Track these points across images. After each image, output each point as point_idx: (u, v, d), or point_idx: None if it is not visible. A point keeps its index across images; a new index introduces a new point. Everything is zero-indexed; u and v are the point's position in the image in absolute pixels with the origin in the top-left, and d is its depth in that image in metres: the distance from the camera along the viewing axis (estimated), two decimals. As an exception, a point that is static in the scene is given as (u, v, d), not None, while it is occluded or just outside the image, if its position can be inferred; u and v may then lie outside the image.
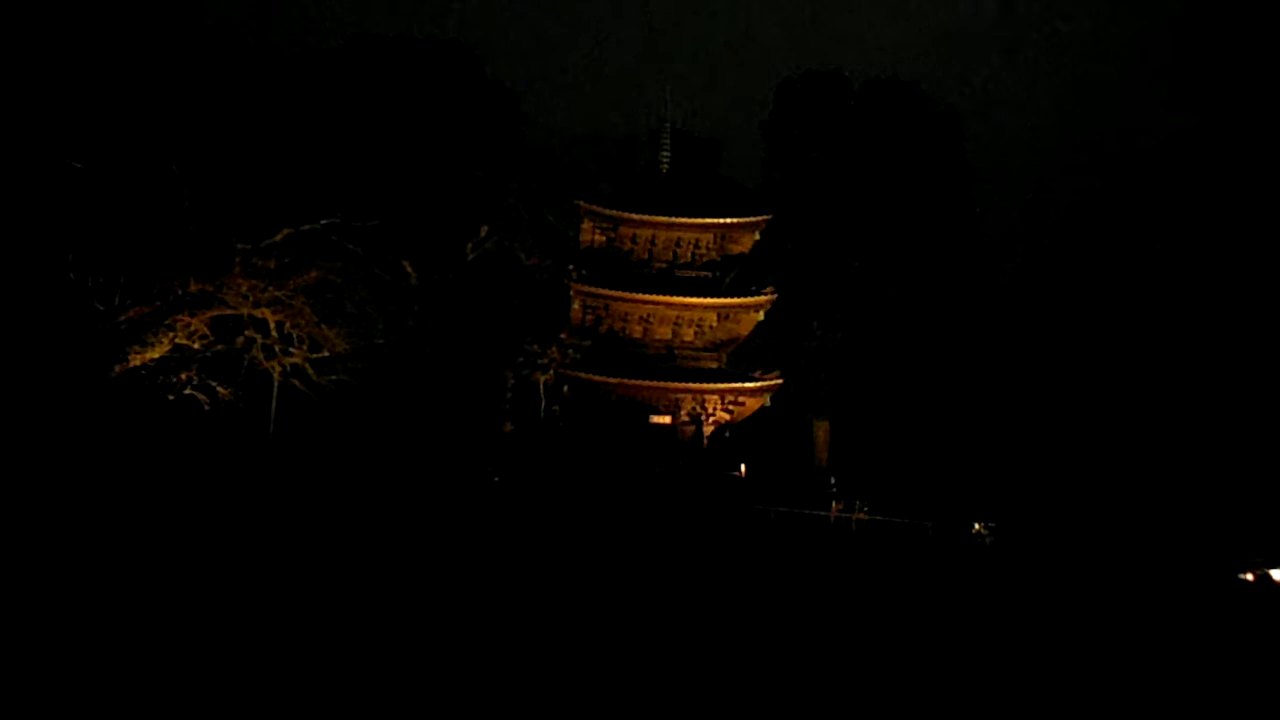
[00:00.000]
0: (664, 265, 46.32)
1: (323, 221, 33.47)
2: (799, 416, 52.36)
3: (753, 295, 43.99)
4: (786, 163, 55.73)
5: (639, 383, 43.05)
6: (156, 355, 30.80)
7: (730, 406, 44.53)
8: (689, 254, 46.33)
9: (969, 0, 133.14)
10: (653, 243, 45.99)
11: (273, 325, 33.65)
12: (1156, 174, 77.64)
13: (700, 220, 44.93)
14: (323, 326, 34.37)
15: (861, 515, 39.64)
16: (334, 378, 35.41)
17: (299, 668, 15.03)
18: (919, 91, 57.02)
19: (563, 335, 44.42)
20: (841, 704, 16.04)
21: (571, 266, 43.28)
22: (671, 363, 45.19)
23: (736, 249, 46.22)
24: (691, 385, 43.58)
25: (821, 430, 53.09)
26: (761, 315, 44.46)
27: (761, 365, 44.52)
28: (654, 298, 44.00)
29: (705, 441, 44.27)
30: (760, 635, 19.64)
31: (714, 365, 45.78)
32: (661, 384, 43.38)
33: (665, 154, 48.92)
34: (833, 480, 44.96)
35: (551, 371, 43.88)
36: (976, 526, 40.65)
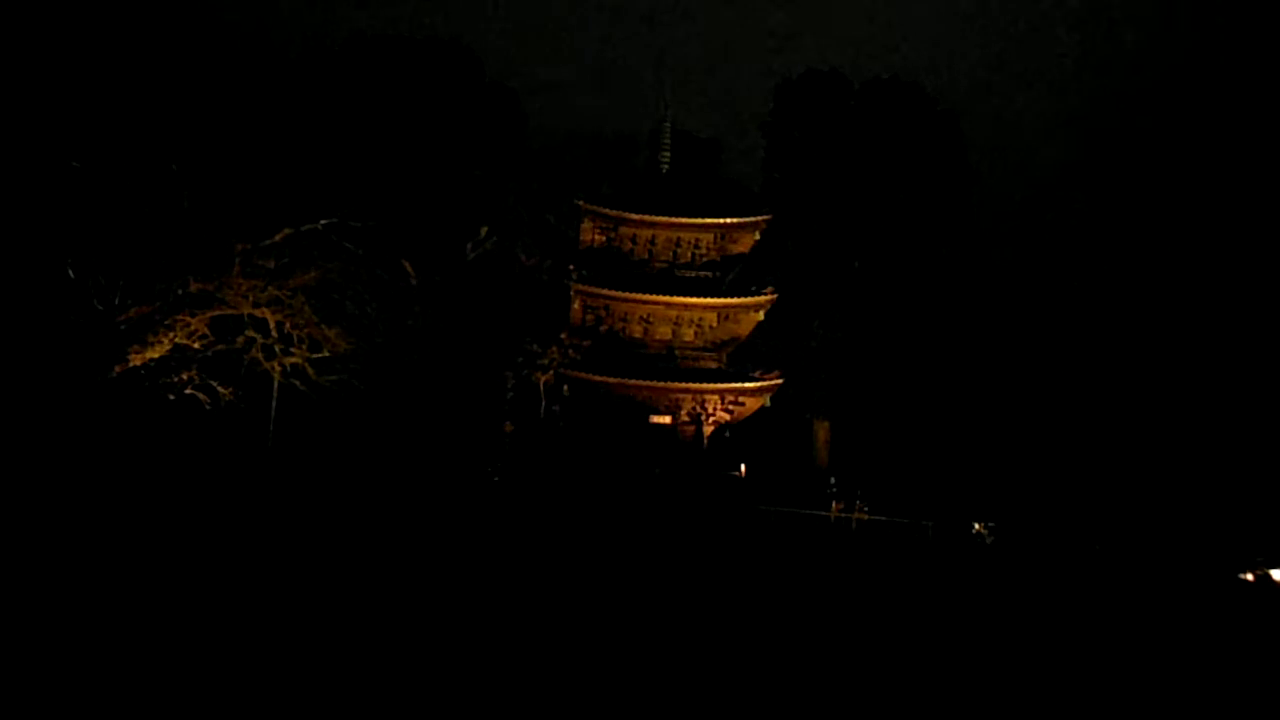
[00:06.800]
0: (664, 265, 46.32)
1: (322, 221, 33.44)
2: (799, 416, 52.36)
3: (753, 295, 43.99)
4: (786, 163, 55.73)
5: (639, 383, 43.05)
6: (156, 355, 30.77)
7: (730, 406, 44.52)
8: (689, 254, 46.34)
9: (969, 1, 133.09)
10: (653, 243, 45.99)
11: (273, 325, 33.62)
12: (1156, 172, 77.60)
13: (700, 220, 44.94)
14: (323, 326, 34.35)
15: (861, 515, 39.61)
16: (334, 378, 35.38)
17: (299, 668, 15.04)
18: (919, 91, 57.03)
19: (563, 335, 44.42)
20: (841, 704, 16.04)
21: (571, 266, 43.29)
22: (671, 363, 45.18)
23: (736, 249, 46.22)
24: (691, 385, 43.57)
25: (821, 430, 53.09)
26: (761, 315, 44.46)
27: (761, 365, 44.50)
28: (654, 298, 44.01)
29: (705, 441, 44.26)
30: (760, 635, 19.64)
31: (714, 365, 45.77)
32: (661, 384, 43.38)
33: (665, 154, 48.95)
34: (833, 480, 44.94)
35: (551, 371, 43.86)
36: (976, 526, 40.66)
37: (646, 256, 46.22)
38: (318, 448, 37.72)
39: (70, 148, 28.66)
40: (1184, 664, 20.70)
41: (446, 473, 39.04)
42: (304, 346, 34.40)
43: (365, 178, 39.27)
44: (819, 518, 39.41)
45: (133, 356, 29.97)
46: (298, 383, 35.14)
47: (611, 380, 42.66)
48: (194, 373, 31.98)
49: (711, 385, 43.75)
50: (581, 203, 43.83)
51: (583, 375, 42.65)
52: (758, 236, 45.50)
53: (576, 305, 43.50)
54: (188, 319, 31.28)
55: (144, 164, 30.07)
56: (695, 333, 45.73)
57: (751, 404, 44.57)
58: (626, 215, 44.38)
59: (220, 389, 32.52)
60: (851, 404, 52.46)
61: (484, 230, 49.06)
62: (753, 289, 44.26)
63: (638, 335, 45.42)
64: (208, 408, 32.54)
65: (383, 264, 39.75)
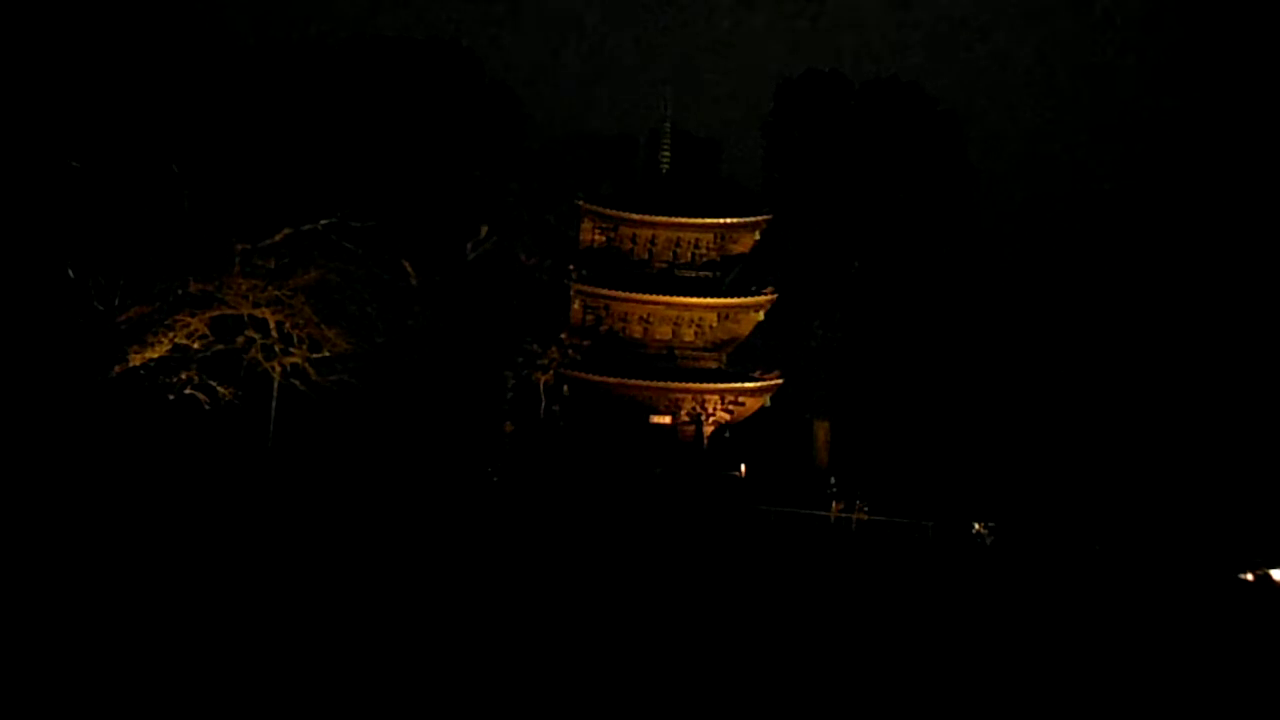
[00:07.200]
0: (664, 265, 46.34)
1: (322, 221, 33.44)
2: (799, 416, 52.38)
3: (753, 295, 44.00)
4: (786, 163, 55.78)
5: (639, 383, 43.06)
6: (156, 355, 30.76)
7: (730, 406, 44.54)
8: (689, 254, 46.35)
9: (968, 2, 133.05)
10: (653, 243, 46.01)
11: (273, 325, 33.62)
12: (1157, 172, 77.59)
13: (700, 220, 44.95)
14: (323, 326, 34.34)
15: (861, 515, 39.61)
16: (334, 378, 35.38)
17: (299, 668, 15.04)
18: (919, 91, 57.08)
19: (563, 335, 44.44)
20: (841, 704, 16.04)
21: (571, 266, 43.31)
22: (671, 363, 45.19)
23: (736, 249, 46.24)
24: (691, 385, 43.58)
25: (821, 430, 53.09)
26: (761, 315, 44.47)
27: (761, 365, 44.52)
28: (654, 298, 44.02)
29: (705, 441, 44.27)
30: (760, 635, 19.64)
31: (714, 365, 45.78)
32: (661, 384, 43.39)
33: (665, 154, 48.98)
34: (833, 480, 44.97)
35: (551, 371, 43.88)
36: (976, 526, 40.65)
37: (646, 256, 46.24)
38: (318, 448, 37.71)
39: (70, 148, 28.65)
40: (1184, 664, 20.70)
41: (446, 473, 39.04)
42: (304, 346, 34.38)
43: (365, 178, 39.24)
44: (819, 518, 39.41)
45: (132, 356, 29.96)
46: (298, 383, 35.13)
47: (611, 380, 42.66)
48: (194, 373, 31.98)
49: (711, 385, 43.76)
50: (581, 203, 43.85)
51: (583, 375, 42.66)
52: (758, 236, 45.50)
53: (576, 305, 43.51)
54: (188, 319, 31.27)
55: (144, 164, 30.06)
56: (695, 333, 45.74)
57: (751, 404, 44.58)
58: (626, 215, 44.39)
59: (220, 389, 32.51)
60: (851, 404, 52.48)
61: (484, 230, 49.10)
62: (753, 289, 44.27)
63: (638, 335, 45.43)
64: (208, 408, 32.54)
65: (383, 264, 39.73)
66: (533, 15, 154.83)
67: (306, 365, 34.75)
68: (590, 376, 42.59)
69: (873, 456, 49.63)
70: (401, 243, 43.32)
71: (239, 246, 31.66)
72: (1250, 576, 36.26)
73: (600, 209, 44.11)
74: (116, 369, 29.64)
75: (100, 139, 29.31)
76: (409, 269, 45.43)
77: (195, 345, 31.89)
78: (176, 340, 31.29)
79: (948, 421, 51.78)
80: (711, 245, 46.11)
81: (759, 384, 43.65)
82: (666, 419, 44.30)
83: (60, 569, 18.76)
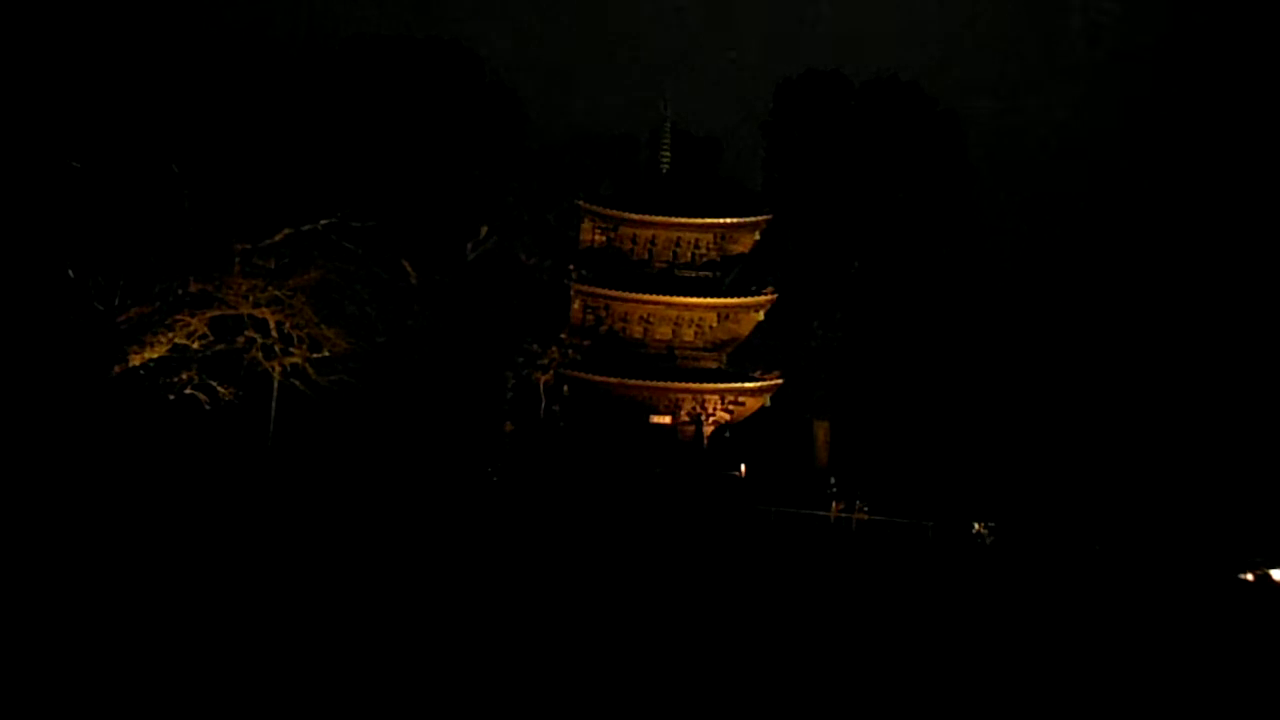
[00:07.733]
0: (664, 265, 46.33)
1: (322, 221, 33.40)
2: (799, 416, 52.37)
3: (753, 295, 44.01)
4: (786, 163, 55.71)
5: (639, 383, 43.08)
6: (156, 355, 30.74)
7: (730, 406, 44.54)
8: (689, 254, 46.36)
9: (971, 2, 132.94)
10: (653, 243, 46.01)
11: (273, 325, 33.59)
12: (1158, 173, 77.61)
13: (700, 220, 44.96)
14: (323, 326, 34.30)
15: (861, 515, 39.62)
16: (334, 378, 35.36)
17: (299, 668, 15.04)
18: (919, 91, 57.02)
19: (563, 335, 44.45)
20: (841, 704, 16.04)
21: (571, 266, 43.32)
22: (671, 363, 45.20)
23: (736, 249, 46.24)
24: (691, 385, 43.59)
25: (821, 430, 53.08)
26: (761, 315, 44.48)
27: (761, 365, 44.54)
28: (654, 298, 44.03)
29: (705, 441, 44.28)
30: (760, 635, 19.64)
31: (714, 365, 45.78)
32: (661, 384, 43.41)
33: (665, 154, 48.97)
34: (833, 480, 44.97)
35: (551, 371, 43.89)
36: (976, 526, 40.66)
37: (646, 256, 46.23)
38: (318, 448, 37.72)
39: (70, 148, 28.64)
40: (1184, 664, 20.70)
41: (446, 473, 39.04)
42: (304, 346, 34.34)
43: (365, 178, 39.24)
44: (819, 518, 39.42)
45: (132, 356, 29.94)
46: (298, 383, 35.10)
47: (612, 380, 42.67)
48: (194, 373, 31.96)
49: (711, 385, 43.76)
50: (581, 203, 43.87)
51: (583, 375, 42.66)
52: (758, 236, 45.51)
53: (576, 305, 43.52)
54: (188, 319, 31.24)
55: (144, 164, 30.05)
56: (695, 333, 45.75)
57: (751, 404, 44.58)
58: (626, 215, 44.40)
59: (220, 389, 32.49)
60: (851, 404, 52.47)
61: (484, 230, 49.10)
62: (753, 289, 44.27)
63: (638, 335, 45.43)
64: (208, 408, 32.52)
65: (383, 264, 39.70)
66: (533, 16, 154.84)
67: (306, 365, 34.72)
68: (590, 376, 42.60)
69: (873, 456, 49.64)
70: (401, 243, 43.32)
71: (239, 246, 31.63)
72: (1250, 576, 36.28)
73: (600, 209, 44.13)
74: (116, 369, 29.62)
75: (100, 139, 29.30)
76: (409, 269, 45.44)
77: (195, 345, 31.86)
78: (176, 340, 31.26)
79: (947, 422, 51.78)
80: (711, 245, 46.12)
81: (759, 384, 43.66)
82: (666, 419, 44.31)
83: (61, 568, 18.76)
